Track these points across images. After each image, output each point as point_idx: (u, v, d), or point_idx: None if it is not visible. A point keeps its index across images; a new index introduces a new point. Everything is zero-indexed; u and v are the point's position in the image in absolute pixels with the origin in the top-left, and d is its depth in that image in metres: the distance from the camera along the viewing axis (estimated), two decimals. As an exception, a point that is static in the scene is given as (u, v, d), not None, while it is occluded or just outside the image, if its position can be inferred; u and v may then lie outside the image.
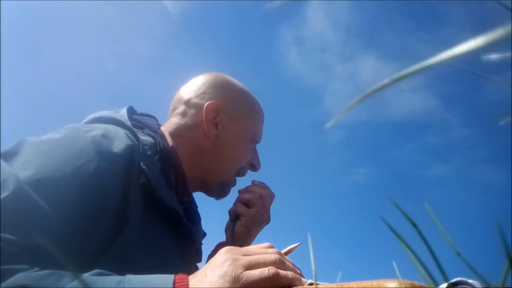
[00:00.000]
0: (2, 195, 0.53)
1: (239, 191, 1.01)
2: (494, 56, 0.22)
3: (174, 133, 0.93)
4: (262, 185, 1.02)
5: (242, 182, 1.04)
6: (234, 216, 0.99)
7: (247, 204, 0.98)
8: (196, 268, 0.92)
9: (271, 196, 1.02)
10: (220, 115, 0.94)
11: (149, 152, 0.78)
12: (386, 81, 0.19)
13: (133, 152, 0.74)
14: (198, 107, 0.94)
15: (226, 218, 1.04)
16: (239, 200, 1.00)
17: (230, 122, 0.95)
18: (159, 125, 0.94)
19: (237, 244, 0.92)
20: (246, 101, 1.00)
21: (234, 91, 0.99)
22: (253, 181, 1.03)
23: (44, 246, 0.52)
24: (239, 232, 0.96)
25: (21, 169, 0.58)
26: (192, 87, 0.98)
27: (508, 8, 0.21)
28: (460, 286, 0.43)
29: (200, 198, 1.02)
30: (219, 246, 0.99)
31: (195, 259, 0.93)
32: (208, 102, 0.93)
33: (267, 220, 1.01)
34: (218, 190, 0.98)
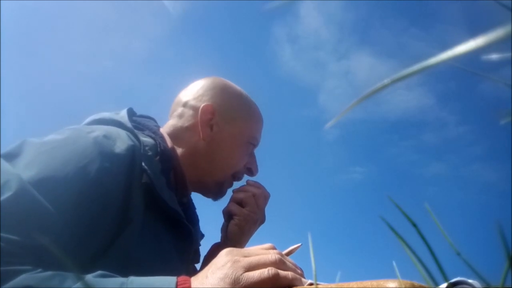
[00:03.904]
0: (5, 195, 0.53)
1: (233, 191, 1.01)
2: (494, 56, 0.22)
3: (172, 135, 0.94)
4: (256, 185, 1.01)
5: (240, 183, 1.03)
6: (228, 215, 0.98)
7: (240, 203, 0.98)
8: (194, 269, 0.92)
9: (266, 196, 1.01)
10: (215, 117, 0.94)
11: (150, 153, 0.78)
12: (386, 81, 0.19)
13: (134, 152, 0.74)
14: (195, 109, 0.95)
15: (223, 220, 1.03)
16: (232, 200, 0.99)
17: (225, 125, 0.95)
18: (159, 127, 0.94)
19: (231, 244, 0.93)
20: (243, 104, 1.00)
21: (232, 95, 0.99)
22: (247, 181, 1.02)
23: (47, 247, 0.52)
24: (233, 232, 0.95)
25: (24, 170, 0.58)
26: (191, 90, 1.00)
27: (508, 8, 0.21)
28: (460, 286, 0.43)
29: (197, 199, 1.02)
30: (214, 247, 0.99)
31: (194, 260, 0.93)
32: (204, 104, 0.94)
33: (261, 220, 1.01)
34: (214, 191, 0.99)
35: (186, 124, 0.95)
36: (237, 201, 0.98)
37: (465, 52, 0.16)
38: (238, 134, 0.97)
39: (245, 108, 1.00)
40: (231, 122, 0.96)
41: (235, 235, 0.95)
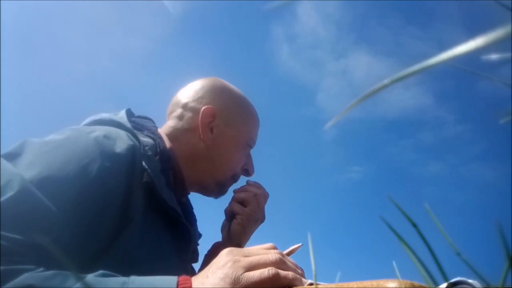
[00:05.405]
0: (8, 195, 0.53)
1: (234, 191, 1.03)
2: (494, 56, 0.22)
3: (170, 136, 0.95)
4: (257, 185, 1.04)
5: (239, 183, 1.05)
6: (230, 215, 1.00)
7: (242, 203, 1.00)
8: (192, 269, 0.92)
9: (265, 196, 1.03)
10: (216, 120, 0.96)
11: (150, 153, 0.79)
12: (385, 81, 0.19)
13: (135, 152, 0.75)
14: (195, 111, 0.96)
15: (220, 219, 1.05)
16: (234, 199, 1.01)
17: (226, 127, 0.97)
18: (157, 128, 0.95)
19: (233, 243, 0.94)
20: (243, 107, 1.02)
21: (232, 97, 1.01)
22: (247, 181, 1.05)
23: (48, 246, 0.52)
24: (236, 231, 0.97)
25: (26, 169, 0.58)
26: (190, 91, 1.00)
27: (508, 8, 0.21)
28: (460, 286, 0.43)
29: (195, 199, 1.03)
30: (215, 246, 1.00)
31: (192, 259, 0.94)
32: (205, 107, 0.95)
33: (262, 219, 1.03)
34: (215, 191, 1.00)
35: (186, 126, 0.96)
36: (239, 201, 1.00)
37: (465, 52, 0.16)
38: (238, 136, 0.98)
39: (245, 111, 1.02)
40: (231, 125, 0.98)
41: (238, 234, 0.97)
